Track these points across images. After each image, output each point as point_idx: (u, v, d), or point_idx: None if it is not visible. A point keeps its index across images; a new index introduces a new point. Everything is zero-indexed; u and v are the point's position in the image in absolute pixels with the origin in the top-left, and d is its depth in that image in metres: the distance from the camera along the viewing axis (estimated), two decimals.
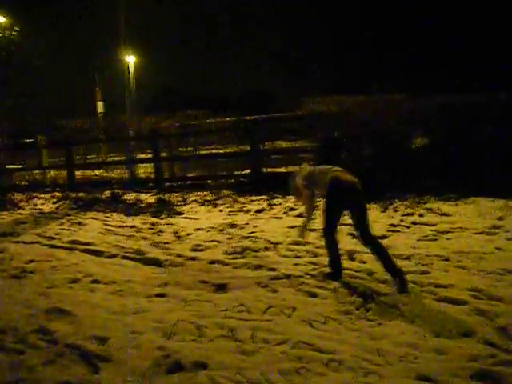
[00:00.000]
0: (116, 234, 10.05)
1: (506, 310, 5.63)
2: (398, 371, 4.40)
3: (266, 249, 8.39)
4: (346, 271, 6.91)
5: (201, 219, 11.10)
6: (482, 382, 4.21)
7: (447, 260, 7.46)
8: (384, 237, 8.72)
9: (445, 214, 9.93)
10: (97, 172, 20.53)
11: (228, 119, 16.44)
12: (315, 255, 7.87)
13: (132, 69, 45.55)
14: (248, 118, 14.72)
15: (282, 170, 14.08)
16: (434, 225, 9.36)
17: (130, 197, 14.38)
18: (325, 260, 7.10)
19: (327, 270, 6.94)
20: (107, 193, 15.18)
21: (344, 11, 48.30)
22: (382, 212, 10.43)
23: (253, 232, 9.58)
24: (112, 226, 10.86)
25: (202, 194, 13.63)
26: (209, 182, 14.81)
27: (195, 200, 13.07)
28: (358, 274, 6.89)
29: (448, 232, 8.90)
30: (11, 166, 21.14)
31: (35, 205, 14.70)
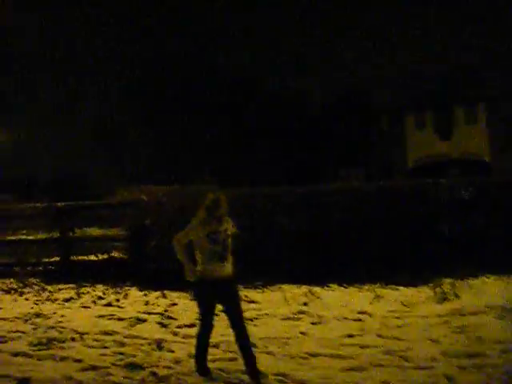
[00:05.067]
0: None
1: None
2: None
3: (73, 339, 8.18)
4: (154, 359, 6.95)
5: (5, 308, 10.59)
6: None
7: (254, 346, 7.68)
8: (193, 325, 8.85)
9: (252, 301, 10.22)
10: None
11: (39, 205, 16.00)
12: (123, 345, 7.82)
13: None
14: (59, 204, 14.44)
15: (92, 257, 13.91)
16: None
17: None
18: (131, 350, 7.15)
19: (134, 360, 6.98)
20: None
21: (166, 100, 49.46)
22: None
23: (60, 322, 9.30)
24: None
25: (7, 281, 13.04)
26: (16, 269, 14.20)
27: (0, 288, 12.49)
28: (166, 364, 6.94)
29: (256, 319, 9.18)
30: None
31: None
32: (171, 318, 9.39)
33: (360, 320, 8.92)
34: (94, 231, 15.96)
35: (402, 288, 10.64)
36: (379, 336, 8.01)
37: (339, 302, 9.99)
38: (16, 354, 7.51)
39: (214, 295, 6.39)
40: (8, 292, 12.13)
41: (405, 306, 9.63)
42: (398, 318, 8.96)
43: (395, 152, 41.42)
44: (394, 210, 12.05)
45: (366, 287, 10.73)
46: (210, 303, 6.47)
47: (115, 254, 13.88)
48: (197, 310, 6.72)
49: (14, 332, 8.71)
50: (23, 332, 8.71)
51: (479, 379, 6.16)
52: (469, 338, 7.65)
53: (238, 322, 6.46)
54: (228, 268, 6.39)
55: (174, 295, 10.89)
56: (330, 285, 10.95)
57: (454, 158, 36.97)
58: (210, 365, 6.78)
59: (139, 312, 9.85)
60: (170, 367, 6.80)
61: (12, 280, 13.12)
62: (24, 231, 17.21)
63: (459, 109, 37.98)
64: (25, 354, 7.51)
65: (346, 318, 9.05)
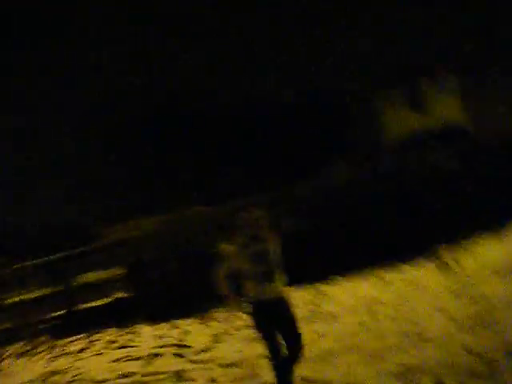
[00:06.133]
0: None
1: None
2: None
3: None
4: None
5: (19, 373, 10.50)
6: None
7: None
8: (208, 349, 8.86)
9: None
10: None
11: (28, 263, 15.84)
12: None
13: None
14: (52, 257, 14.38)
15: (98, 302, 13.82)
16: None
17: None
18: None
19: None
20: None
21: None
22: (203, 324, 10.51)
23: (77, 374, 9.22)
24: None
25: (17, 345, 12.91)
26: (22, 331, 14.07)
27: (11, 354, 12.37)
28: None
29: None
30: None
31: None
32: (186, 346, 9.36)
33: (370, 308, 8.90)
34: (92, 276, 15.87)
35: (404, 266, 10.64)
36: (391, 319, 8.03)
37: (347, 293, 9.98)
38: None
39: (269, 318, 5.79)
40: (20, 356, 12.02)
41: (411, 283, 9.66)
42: (406, 297, 8.99)
43: (372, 137, 41.41)
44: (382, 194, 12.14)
45: (371, 273, 10.71)
46: (268, 328, 5.83)
47: (119, 294, 13.79)
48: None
49: None
50: None
51: (493, 339, 6.20)
52: (476, 302, 7.78)
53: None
54: (275, 288, 5.78)
55: (184, 323, 10.85)
56: (334, 277, 10.89)
57: (432, 129, 36.90)
58: None
59: (154, 347, 9.78)
60: None
61: (21, 343, 13.00)
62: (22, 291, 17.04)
63: (430, 79, 38.01)
64: None
65: (356, 309, 9.04)
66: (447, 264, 10.06)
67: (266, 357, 5.95)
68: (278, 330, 5.79)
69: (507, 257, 9.63)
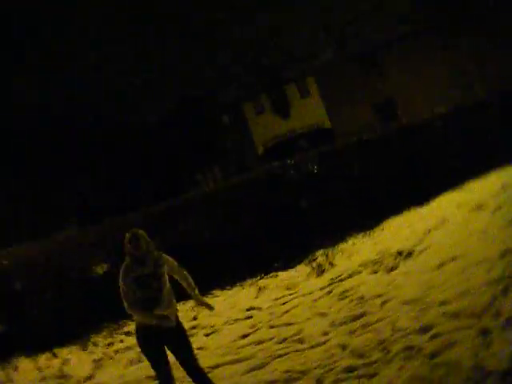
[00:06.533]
0: None
1: None
2: None
3: None
4: None
5: None
6: None
7: None
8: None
9: None
10: None
11: None
12: None
13: None
14: None
15: None
16: None
17: None
18: None
19: None
20: None
21: None
22: (84, 350, 10.23)
23: None
24: None
25: None
26: None
27: None
28: None
29: None
30: None
31: None
32: (68, 376, 9.10)
33: (250, 317, 9.03)
34: None
35: (281, 273, 10.85)
36: (271, 327, 8.15)
37: (226, 305, 10.05)
38: None
39: (158, 343, 5.58)
40: None
41: (288, 289, 9.85)
42: (284, 303, 9.16)
43: (244, 144, 41.88)
44: (254, 202, 12.29)
45: (249, 282, 10.84)
46: (155, 353, 5.62)
47: None
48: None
49: None
50: None
51: (369, 337, 6.40)
52: (351, 301, 7.95)
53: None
54: (167, 313, 5.54)
55: (65, 351, 10.49)
56: (213, 291, 10.94)
57: (299, 132, 37.83)
58: None
59: (34, 381, 9.42)
60: None
61: None
62: None
63: (291, 85, 38.92)
64: None
65: (236, 320, 9.13)
66: (321, 265, 10.34)
67: (152, 378, 5.89)
68: (167, 348, 5.67)
69: (373, 252, 10.02)
